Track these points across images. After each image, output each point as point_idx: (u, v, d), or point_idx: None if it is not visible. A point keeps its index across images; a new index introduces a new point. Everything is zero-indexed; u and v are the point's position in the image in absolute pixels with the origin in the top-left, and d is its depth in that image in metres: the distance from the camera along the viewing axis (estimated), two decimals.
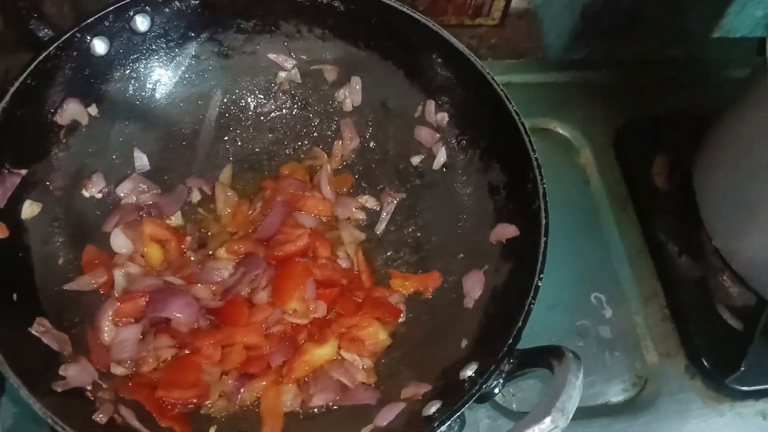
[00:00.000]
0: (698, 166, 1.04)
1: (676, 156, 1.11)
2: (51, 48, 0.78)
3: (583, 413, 0.91)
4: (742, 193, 0.95)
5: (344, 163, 0.97)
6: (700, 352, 0.96)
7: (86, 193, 0.85)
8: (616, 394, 0.94)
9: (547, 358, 0.64)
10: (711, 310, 1.00)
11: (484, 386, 0.66)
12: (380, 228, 0.93)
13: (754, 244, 0.95)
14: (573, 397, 0.57)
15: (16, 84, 0.76)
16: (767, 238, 0.93)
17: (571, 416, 0.57)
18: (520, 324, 0.69)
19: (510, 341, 0.68)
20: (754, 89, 0.91)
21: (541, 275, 0.72)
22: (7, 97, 0.75)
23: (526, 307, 0.70)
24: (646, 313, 1.00)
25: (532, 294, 0.71)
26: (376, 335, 0.83)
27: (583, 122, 1.16)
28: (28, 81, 0.77)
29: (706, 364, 0.96)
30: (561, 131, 1.15)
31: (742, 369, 0.93)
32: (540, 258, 0.73)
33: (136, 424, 0.69)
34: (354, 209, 0.94)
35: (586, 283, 1.01)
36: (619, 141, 1.14)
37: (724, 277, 1.02)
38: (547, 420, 0.55)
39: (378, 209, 0.94)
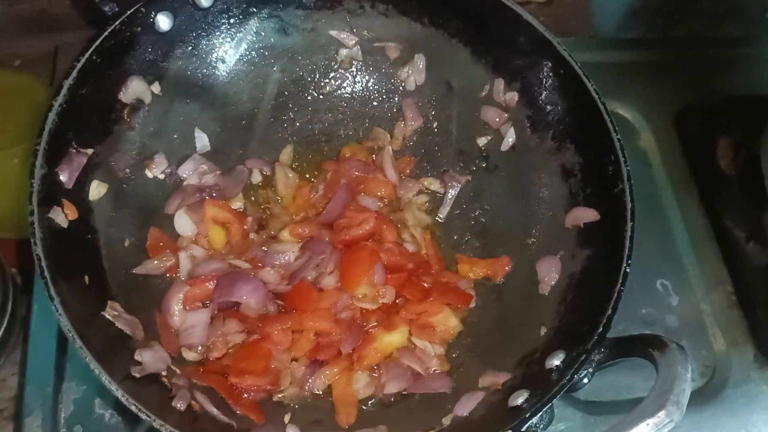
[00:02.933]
0: (766, 148, 1.01)
1: (741, 138, 1.08)
2: (116, 23, 0.75)
3: None
4: None
5: (406, 144, 0.94)
6: None
7: (149, 174, 0.83)
8: None
9: (645, 348, 0.61)
10: None
11: (575, 376, 0.64)
12: (444, 212, 0.91)
13: None
14: (686, 390, 0.55)
15: (82, 60, 0.73)
16: None
17: (684, 410, 0.54)
18: (609, 312, 0.67)
19: (600, 330, 0.66)
20: None
21: (629, 261, 0.69)
22: (74, 74, 0.72)
23: (615, 294, 0.67)
24: (713, 301, 0.98)
25: (621, 281, 0.68)
26: (447, 321, 0.81)
27: (643, 104, 1.13)
28: (94, 57, 0.74)
29: None
30: (620, 112, 1.12)
31: None
32: (627, 243, 0.70)
33: (213, 410, 0.68)
34: (417, 192, 0.91)
35: (651, 270, 0.99)
36: (681, 123, 1.11)
37: None
38: (662, 414, 0.53)
39: (442, 192, 0.92)
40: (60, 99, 0.71)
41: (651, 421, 0.53)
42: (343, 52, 0.93)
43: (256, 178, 0.90)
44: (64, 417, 0.80)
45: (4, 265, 0.85)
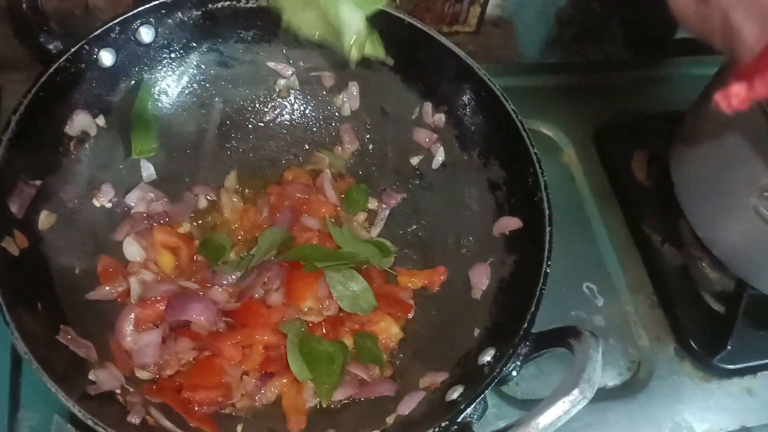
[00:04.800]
0: (674, 159, 1.10)
1: (654, 151, 1.17)
2: (61, 60, 0.79)
3: None
4: (717, 183, 1.01)
5: (346, 166, 1.00)
6: (687, 335, 1.02)
7: (97, 203, 0.86)
8: (611, 378, 0.99)
9: (564, 338, 0.68)
10: (695, 295, 1.06)
11: (504, 369, 0.70)
12: (375, 231, 0.96)
13: (732, 231, 1.01)
14: (597, 369, 0.61)
15: (29, 96, 0.76)
16: (744, 224, 0.99)
17: (596, 388, 0.61)
18: (533, 309, 0.73)
19: (525, 326, 0.72)
20: (720, 84, 0.97)
21: (549, 262, 0.76)
22: (21, 109, 0.75)
23: (538, 293, 0.74)
24: (635, 301, 1.05)
25: (542, 281, 0.75)
26: (389, 330, 0.86)
27: (564, 123, 1.21)
28: (40, 93, 0.77)
29: (694, 345, 1.01)
30: (544, 131, 1.20)
31: (729, 348, 0.99)
32: (547, 246, 0.77)
33: (167, 424, 0.71)
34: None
35: (578, 275, 1.06)
36: (600, 140, 1.20)
37: (704, 264, 1.08)
38: (575, 391, 0.59)
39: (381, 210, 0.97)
40: (8, 134, 0.74)
41: (567, 399, 0.59)
42: (281, 81, 0.98)
43: (203, 203, 0.94)
44: None
45: None
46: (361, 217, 0.97)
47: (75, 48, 0.80)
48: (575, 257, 1.07)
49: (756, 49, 0.57)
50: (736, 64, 0.61)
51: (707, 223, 1.04)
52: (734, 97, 0.58)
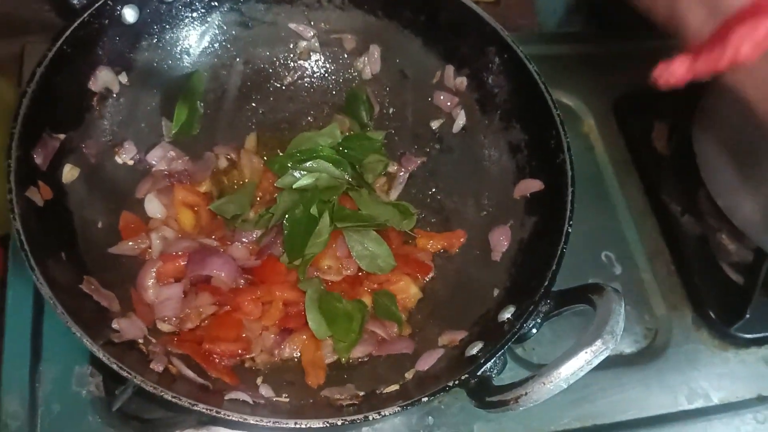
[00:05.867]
0: (696, 128, 1.09)
1: (674, 122, 1.16)
2: (85, 15, 0.79)
3: (599, 364, 0.95)
4: (740, 151, 1.00)
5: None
6: (705, 304, 1.02)
7: (119, 160, 0.87)
8: (628, 345, 0.99)
9: (586, 294, 0.68)
10: (714, 264, 1.05)
11: (523, 326, 0.70)
12: (394, 194, 0.96)
13: (754, 199, 1.00)
14: (620, 322, 0.61)
15: (53, 50, 0.77)
16: (766, 192, 0.99)
17: (618, 339, 0.61)
18: (554, 267, 0.73)
19: (546, 283, 0.72)
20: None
21: (571, 222, 0.76)
22: (46, 62, 0.76)
23: (559, 252, 0.74)
24: (653, 269, 1.05)
25: (564, 240, 0.74)
26: (408, 290, 0.87)
27: (584, 92, 1.20)
28: (64, 47, 0.78)
29: (711, 314, 1.01)
30: (565, 100, 1.19)
31: (747, 317, 0.98)
32: (568, 206, 0.76)
33: (189, 373, 0.71)
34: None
35: (596, 243, 1.06)
36: (620, 110, 1.19)
37: (722, 235, 1.07)
38: (599, 342, 0.59)
39: (400, 174, 0.97)
40: (33, 85, 0.74)
41: (589, 349, 0.59)
42: (302, 44, 0.98)
43: (223, 163, 0.94)
44: (41, 396, 0.82)
45: None
46: (381, 180, 0.97)
47: (99, 3, 0.81)
48: (594, 226, 1.07)
49: (701, 34, 0.57)
50: (683, 46, 0.61)
51: (728, 192, 1.03)
52: (673, 73, 0.58)
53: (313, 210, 0.83)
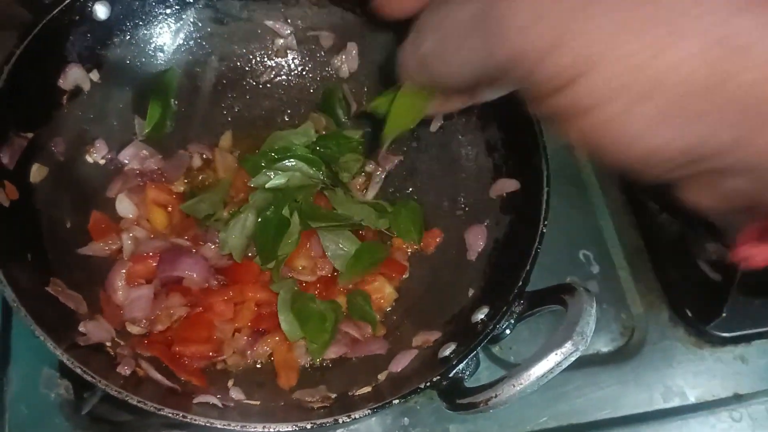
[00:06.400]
0: None
1: None
2: (55, 11, 0.78)
3: (575, 363, 0.94)
4: None
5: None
6: (682, 302, 1.02)
7: (90, 159, 0.86)
8: (605, 343, 0.99)
9: (558, 295, 0.67)
10: (691, 263, 1.05)
11: (496, 327, 0.69)
12: (371, 193, 0.95)
13: None
14: (590, 323, 0.60)
15: (21, 47, 0.75)
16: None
17: (589, 340, 0.60)
18: (528, 268, 0.72)
19: (519, 284, 0.71)
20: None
21: (546, 222, 0.75)
22: (13, 60, 0.75)
23: (533, 252, 0.73)
24: (631, 268, 1.05)
25: (538, 240, 0.74)
26: (383, 290, 0.86)
27: None
28: (33, 44, 0.76)
29: (688, 312, 1.01)
30: None
31: (724, 315, 0.98)
32: (543, 206, 0.76)
33: (156, 375, 0.70)
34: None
35: (574, 242, 1.06)
36: None
37: (700, 233, 1.07)
38: (569, 344, 0.59)
39: (378, 173, 0.96)
40: (0, 83, 0.73)
41: (559, 351, 0.59)
42: (279, 41, 0.97)
43: (197, 162, 0.93)
44: (9, 399, 0.81)
45: None
46: (359, 179, 0.96)
47: None
48: (572, 225, 1.07)
49: None
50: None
51: None
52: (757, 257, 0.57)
53: (285, 211, 0.82)
